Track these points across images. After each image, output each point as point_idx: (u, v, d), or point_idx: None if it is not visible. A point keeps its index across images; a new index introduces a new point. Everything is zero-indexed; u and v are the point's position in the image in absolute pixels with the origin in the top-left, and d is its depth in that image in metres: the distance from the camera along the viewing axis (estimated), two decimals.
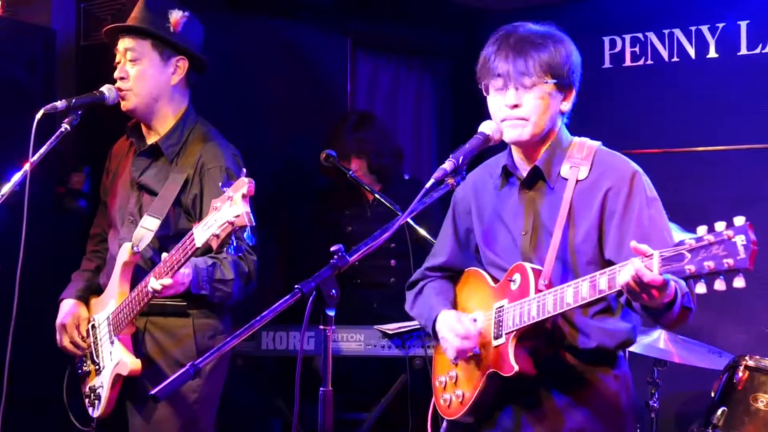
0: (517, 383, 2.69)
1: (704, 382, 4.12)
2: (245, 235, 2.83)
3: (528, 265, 2.69)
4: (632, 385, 2.81)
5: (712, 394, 3.84)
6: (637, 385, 4.18)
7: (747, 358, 3.75)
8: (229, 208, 2.82)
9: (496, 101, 2.73)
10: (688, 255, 2.20)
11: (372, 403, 4.45)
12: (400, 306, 4.56)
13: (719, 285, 2.16)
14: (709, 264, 2.16)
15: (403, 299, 4.70)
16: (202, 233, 2.93)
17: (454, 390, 2.87)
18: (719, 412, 3.70)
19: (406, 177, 4.92)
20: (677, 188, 4.80)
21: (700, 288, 2.20)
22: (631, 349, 4.05)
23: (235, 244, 2.88)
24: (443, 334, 2.81)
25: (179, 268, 3.08)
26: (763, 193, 4.95)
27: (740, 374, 3.72)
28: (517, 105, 2.69)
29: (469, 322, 2.77)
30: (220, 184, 2.90)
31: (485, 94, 2.80)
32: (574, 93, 2.77)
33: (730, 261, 2.13)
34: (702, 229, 2.20)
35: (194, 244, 2.98)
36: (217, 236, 2.86)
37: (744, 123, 5.07)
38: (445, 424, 2.95)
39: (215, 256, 3.34)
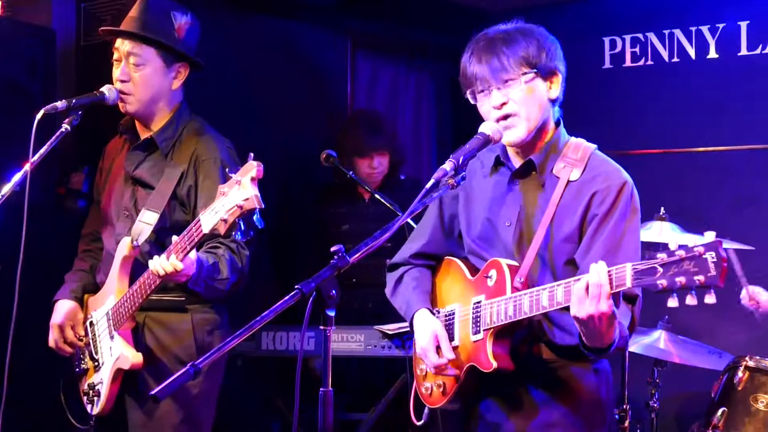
0: (496, 377, 2.71)
1: (704, 382, 4.12)
2: (255, 218, 2.79)
3: (503, 262, 2.70)
4: (611, 378, 2.84)
5: (712, 395, 3.84)
6: (638, 385, 4.20)
7: (747, 358, 3.76)
8: (237, 192, 2.79)
9: (485, 105, 2.76)
10: (660, 269, 2.24)
11: (372, 403, 4.45)
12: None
13: (690, 300, 2.20)
14: (681, 279, 2.21)
15: None
16: (209, 219, 2.91)
17: (435, 379, 2.88)
18: (719, 412, 3.71)
19: (402, 177, 4.93)
20: (677, 188, 4.82)
21: (672, 302, 2.24)
22: (631, 349, 4.06)
23: (243, 229, 2.83)
24: (420, 344, 2.84)
25: (186, 255, 3.08)
26: (763, 193, 4.95)
27: (740, 375, 3.72)
28: (504, 103, 2.71)
29: (446, 347, 2.77)
30: (218, 175, 2.88)
31: (474, 103, 2.81)
32: (560, 78, 2.77)
33: (701, 278, 2.18)
34: (673, 244, 2.24)
35: (201, 231, 2.96)
36: (225, 221, 2.83)
37: (744, 123, 5.08)
38: (426, 410, 2.96)
39: (215, 253, 3.34)
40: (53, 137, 3.27)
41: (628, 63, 5.46)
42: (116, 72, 3.48)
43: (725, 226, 4.49)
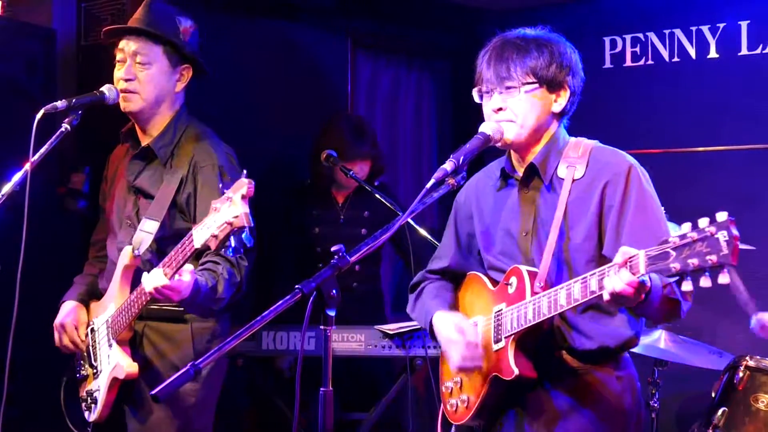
0: (520, 387, 2.70)
1: (704, 382, 4.12)
2: (243, 236, 2.81)
3: (524, 268, 2.70)
4: (638, 386, 2.80)
5: (713, 395, 3.84)
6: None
7: (747, 358, 3.75)
8: (228, 209, 2.81)
9: (486, 106, 2.78)
10: (673, 253, 2.21)
11: (372, 403, 4.45)
12: (360, 310, 4.60)
13: (704, 282, 2.16)
14: (693, 261, 2.16)
15: (365, 303, 4.74)
16: (201, 234, 2.92)
17: (459, 395, 2.88)
18: (719, 412, 3.70)
19: (377, 183, 4.88)
20: (677, 188, 4.80)
21: (686, 286, 2.20)
22: (632, 348, 4.06)
23: (233, 246, 2.86)
24: (445, 336, 2.82)
25: (178, 269, 3.07)
26: (763, 193, 4.95)
27: (741, 374, 3.71)
28: (501, 108, 2.73)
29: (470, 327, 2.77)
30: (217, 182, 2.89)
31: (478, 102, 2.83)
32: (567, 93, 2.77)
33: (713, 257, 2.13)
34: (686, 226, 2.21)
35: (193, 245, 2.97)
36: (216, 237, 2.85)
37: (744, 123, 5.08)
38: (453, 430, 2.95)
39: (215, 271, 3.31)
40: (53, 137, 3.27)
41: (628, 63, 5.46)
42: (120, 72, 3.47)
43: None
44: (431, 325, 2.90)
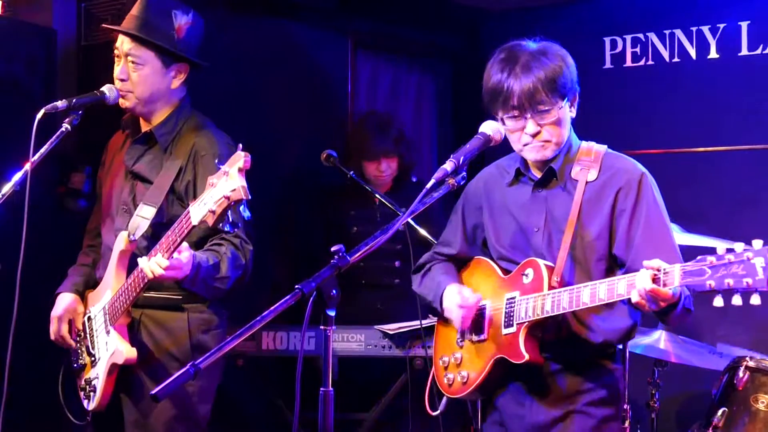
0: (523, 370, 2.83)
1: (705, 382, 4.12)
2: (241, 209, 2.81)
3: (541, 262, 2.82)
4: (625, 374, 2.99)
5: (713, 395, 3.84)
6: (638, 385, 4.21)
7: (747, 358, 3.75)
8: (225, 183, 2.80)
9: (513, 129, 2.83)
10: (709, 271, 2.37)
11: (372, 403, 4.45)
12: (402, 306, 4.60)
13: (737, 300, 2.34)
14: (729, 281, 2.34)
15: (406, 300, 4.74)
16: (198, 210, 2.91)
17: (458, 371, 2.98)
18: (719, 412, 3.70)
19: (414, 179, 4.92)
20: (677, 188, 4.80)
21: (718, 302, 2.37)
22: (631, 349, 4.06)
23: (230, 220, 2.85)
24: (447, 305, 2.96)
25: (175, 248, 3.07)
26: (763, 193, 4.95)
27: (741, 375, 3.71)
28: (539, 132, 2.80)
29: (469, 293, 2.92)
30: (215, 169, 2.88)
31: (495, 117, 2.87)
32: (576, 99, 2.88)
33: (749, 280, 2.31)
34: (721, 248, 2.37)
35: (190, 222, 2.96)
36: (213, 212, 2.84)
37: (744, 123, 5.08)
38: (444, 399, 3.06)
39: (217, 251, 3.33)
40: (54, 137, 3.28)
41: (628, 63, 5.46)
42: (116, 70, 3.49)
43: (725, 226, 4.48)
44: (441, 297, 3.00)
